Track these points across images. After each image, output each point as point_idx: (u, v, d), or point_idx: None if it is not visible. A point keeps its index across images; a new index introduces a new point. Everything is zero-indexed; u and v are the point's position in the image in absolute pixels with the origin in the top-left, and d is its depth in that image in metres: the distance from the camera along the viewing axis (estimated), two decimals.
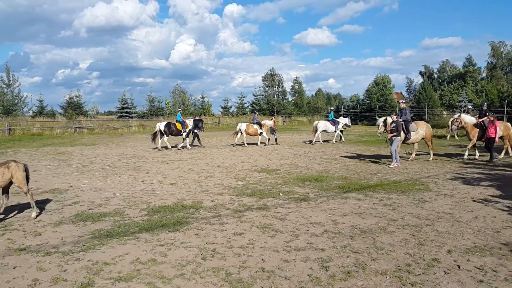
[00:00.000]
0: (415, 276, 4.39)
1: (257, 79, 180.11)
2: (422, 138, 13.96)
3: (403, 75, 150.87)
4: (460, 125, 14.14)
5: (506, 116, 29.12)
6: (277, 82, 55.37)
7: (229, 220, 6.71)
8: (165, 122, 19.28)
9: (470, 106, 24.09)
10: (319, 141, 22.36)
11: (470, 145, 14.17)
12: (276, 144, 21.17)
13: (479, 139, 14.02)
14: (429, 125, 14.39)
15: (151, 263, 4.84)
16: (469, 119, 14.22)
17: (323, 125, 21.95)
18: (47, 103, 41.81)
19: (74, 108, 40.94)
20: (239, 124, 21.00)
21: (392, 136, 12.67)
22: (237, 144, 20.78)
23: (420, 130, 13.73)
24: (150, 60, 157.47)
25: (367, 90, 49.52)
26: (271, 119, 22.11)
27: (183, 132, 19.28)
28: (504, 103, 29.88)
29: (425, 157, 14.85)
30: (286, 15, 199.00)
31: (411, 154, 14.53)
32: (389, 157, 13.82)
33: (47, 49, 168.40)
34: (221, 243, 5.52)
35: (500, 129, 13.50)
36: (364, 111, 47.33)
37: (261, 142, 21.29)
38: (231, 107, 51.76)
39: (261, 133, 20.88)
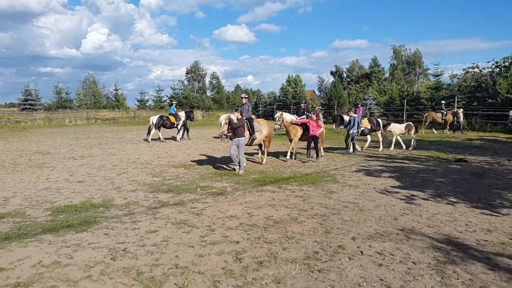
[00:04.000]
0: (322, 262, 4.67)
1: (176, 73, 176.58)
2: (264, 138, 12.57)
3: (315, 74, 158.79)
4: (282, 124, 13.36)
5: (406, 114, 32.19)
6: (200, 77, 54.81)
7: (142, 217, 6.51)
8: (158, 115, 19.49)
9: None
10: None
11: (292, 144, 13.46)
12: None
13: (300, 138, 13.48)
14: (269, 124, 13.18)
15: (55, 265, 4.53)
16: (289, 118, 13.62)
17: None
18: None
19: None
20: (221, 117, 21.52)
21: (234, 137, 10.84)
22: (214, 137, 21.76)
23: (263, 129, 12.31)
24: (59, 49, 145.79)
25: (282, 88, 51.44)
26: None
27: (176, 124, 19.52)
28: (404, 102, 32.98)
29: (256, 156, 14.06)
30: (205, 10, 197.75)
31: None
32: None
33: None
34: (133, 242, 5.34)
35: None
36: (281, 107, 48.87)
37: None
38: (147, 100, 50.08)
39: None
